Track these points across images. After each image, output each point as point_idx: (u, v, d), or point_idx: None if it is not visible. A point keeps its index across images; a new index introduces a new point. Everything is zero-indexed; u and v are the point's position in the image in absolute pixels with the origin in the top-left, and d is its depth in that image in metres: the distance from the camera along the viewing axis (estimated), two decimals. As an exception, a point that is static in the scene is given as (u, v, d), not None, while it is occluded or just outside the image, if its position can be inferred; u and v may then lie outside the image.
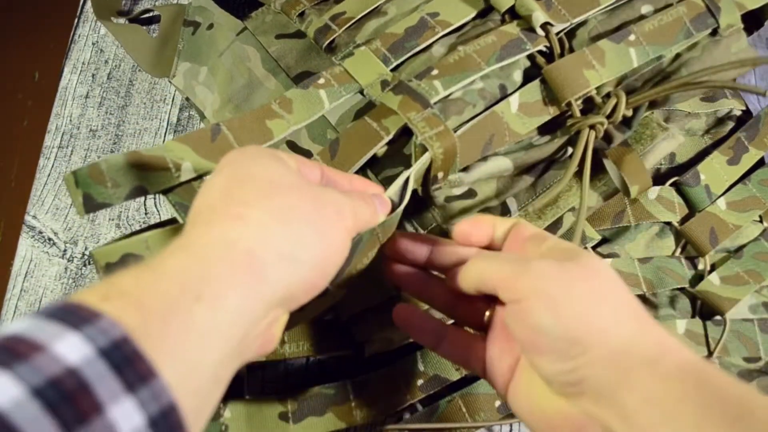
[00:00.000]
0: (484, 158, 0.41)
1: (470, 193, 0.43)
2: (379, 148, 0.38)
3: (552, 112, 0.41)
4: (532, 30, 0.42)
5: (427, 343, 0.34)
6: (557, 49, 0.41)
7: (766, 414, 0.23)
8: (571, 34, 0.43)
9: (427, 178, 0.39)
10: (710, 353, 0.42)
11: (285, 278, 0.25)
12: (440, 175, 0.39)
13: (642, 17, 0.42)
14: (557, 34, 0.42)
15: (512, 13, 0.43)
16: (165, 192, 0.34)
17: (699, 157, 0.48)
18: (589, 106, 0.42)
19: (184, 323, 0.22)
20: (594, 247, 0.45)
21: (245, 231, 0.25)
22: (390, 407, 0.41)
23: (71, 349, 0.19)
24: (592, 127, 0.40)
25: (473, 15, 0.44)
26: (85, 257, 0.49)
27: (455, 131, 0.38)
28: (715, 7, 0.42)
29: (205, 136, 0.37)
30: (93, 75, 0.56)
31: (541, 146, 0.43)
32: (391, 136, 0.38)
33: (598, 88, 0.41)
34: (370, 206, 0.31)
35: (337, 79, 0.41)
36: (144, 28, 0.57)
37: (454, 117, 0.38)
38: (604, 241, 0.45)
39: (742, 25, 0.43)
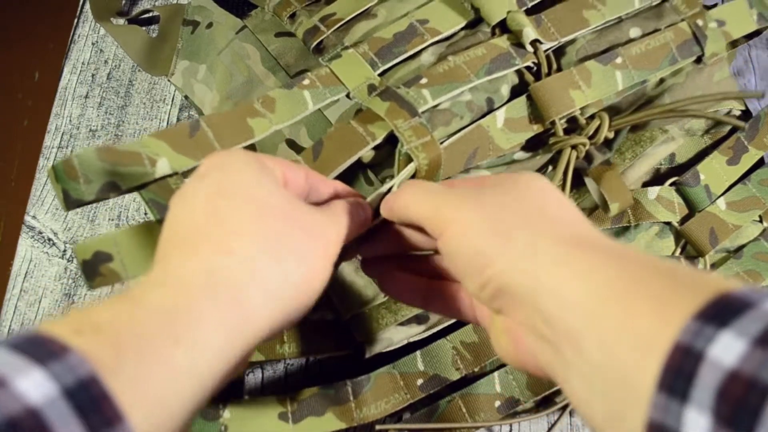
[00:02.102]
0: (466, 170, 0.41)
1: None
2: (364, 153, 0.38)
3: (536, 129, 0.41)
4: (521, 46, 0.41)
5: (418, 304, 0.34)
6: (545, 67, 0.41)
7: (695, 283, 0.21)
8: (559, 51, 0.43)
9: None
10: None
11: (270, 317, 0.25)
12: None
13: (630, 40, 0.42)
14: (545, 51, 0.42)
15: (502, 27, 0.43)
16: (138, 188, 0.34)
17: (699, 157, 0.48)
18: (573, 125, 0.42)
19: (161, 364, 0.21)
20: None
21: (232, 266, 0.24)
22: (390, 407, 0.41)
23: (34, 386, 0.18)
24: (574, 147, 0.41)
25: (463, 25, 0.43)
26: (85, 257, 0.49)
27: (441, 143, 0.38)
28: (701, 35, 0.42)
29: (183, 131, 0.35)
30: (93, 75, 0.56)
31: (522, 162, 0.43)
32: (377, 142, 0.37)
33: (582, 109, 0.41)
34: (355, 221, 0.31)
35: (322, 80, 0.41)
36: (143, 28, 0.57)
37: (441, 128, 0.38)
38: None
39: (726, 54, 0.43)
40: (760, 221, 0.47)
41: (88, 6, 0.59)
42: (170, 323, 0.22)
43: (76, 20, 0.59)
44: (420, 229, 0.30)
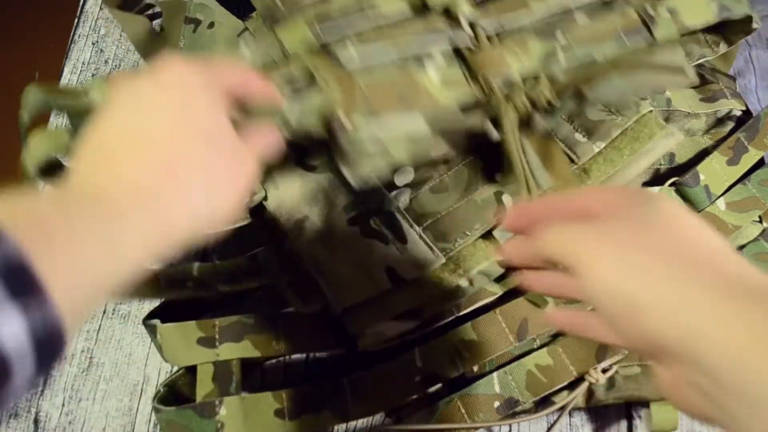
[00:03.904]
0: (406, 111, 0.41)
1: (382, 149, 0.41)
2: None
3: (475, 90, 0.42)
4: (460, 27, 0.43)
5: (590, 334, 0.30)
6: (484, 44, 0.43)
7: None
8: (505, 35, 0.44)
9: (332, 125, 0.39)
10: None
11: (189, 229, 0.27)
12: (343, 117, 0.39)
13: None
14: (487, 35, 0.43)
15: (447, 14, 0.44)
16: (72, 113, 0.38)
17: (698, 157, 0.48)
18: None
19: (89, 239, 0.23)
20: None
21: (156, 181, 0.26)
22: (387, 404, 0.41)
23: None
24: (513, 104, 0.41)
25: (410, 12, 0.45)
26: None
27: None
28: (650, 20, 0.43)
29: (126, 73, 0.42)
30: (93, 75, 0.56)
31: (460, 114, 0.43)
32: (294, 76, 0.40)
33: (525, 82, 0.42)
34: (266, 145, 0.34)
35: (260, 39, 0.44)
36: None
37: (364, 76, 0.40)
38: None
39: (678, 38, 0.44)
40: (760, 221, 0.47)
41: (88, 6, 0.59)
42: (98, 211, 0.24)
43: (76, 20, 0.59)
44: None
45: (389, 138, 0.39)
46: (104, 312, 0.48)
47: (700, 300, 0.23)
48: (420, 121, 0.40)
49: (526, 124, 0.42)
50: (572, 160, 0.43)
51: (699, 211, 0.46)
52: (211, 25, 0.51)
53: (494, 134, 0.42)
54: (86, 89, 0.38)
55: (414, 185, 0.44)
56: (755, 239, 0.46)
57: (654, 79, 0.42)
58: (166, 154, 0.27)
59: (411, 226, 0.42)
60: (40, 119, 0.41)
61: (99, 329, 0.47)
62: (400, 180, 0.44)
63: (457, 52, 0.43)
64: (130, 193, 0.25)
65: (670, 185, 0.46)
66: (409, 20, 0.44)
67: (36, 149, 0.37)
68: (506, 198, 0.43)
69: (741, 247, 0.46)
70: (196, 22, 0.52)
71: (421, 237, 0.42)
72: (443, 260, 0.42)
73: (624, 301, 0.24)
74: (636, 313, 0.24)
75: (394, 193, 0.44)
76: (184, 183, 0.27)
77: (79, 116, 0.38)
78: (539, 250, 0.29)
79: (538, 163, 0.43)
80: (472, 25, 0.43)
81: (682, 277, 0.24)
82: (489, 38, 0.43)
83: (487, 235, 0.43)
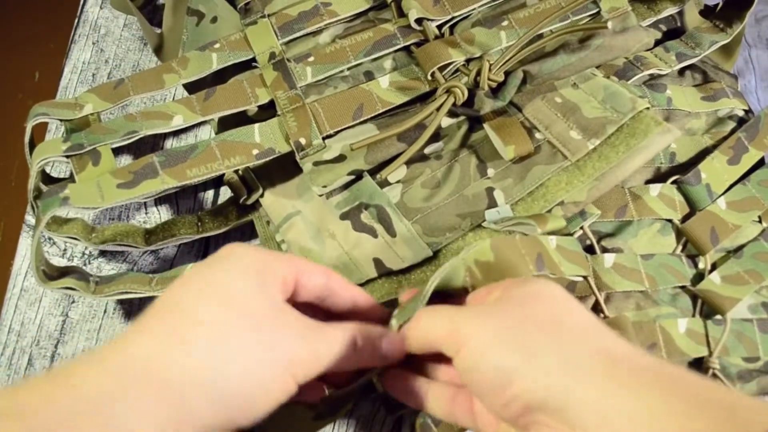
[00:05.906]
0: (362, 123, 0.45)
1: (340, 158, 0.44)
2: (246, 108, 0.46)
3: (425, 87, 0.46)
4: (410, 26, 0.47)
5: (413, 403, 0.32)
6: (431, 38, 0.46)
7: (751, 416, 0.21)
8: (454, 26, 0.48)
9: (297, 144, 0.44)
10: (710, 353, 0.42)
11: (212, 417, 0.25)
12: (303, 140, 0.44)
13: (523, 7, 0.47)
14: (440, 26, 0.47)
15: (399, 8, 0.47)
16: (68, 123, 0.44)
17: (699, 156, 0.48)
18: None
19: None
20: (599, 240, 0.44)
21: (178, 358, 0.25)
22: None
23: None
24: (448, 91, 0.44)
25: (364, 9, 0.49)
26: (85, 256, 0.49)
27: (315, 101, 0.45)
28: None
29: (110, 84, 0.46)
30: (93, 75, 0.56)
31: (407, 110, 0.46)
32: (258, 103, 0.46)
33: (469, 62, 0.45)
34: (348, 349, 0.29)
35: (230, 45, 0.48)
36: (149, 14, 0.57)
37: (313, 96, 0.45)
38: (608, 235, 0.45)
39: (629, 8, 0.47)
40: (760, 221, 0.47)
41: (88, 6, 0.59)
42: (100, 410, 0.22)
43: (76, 20, 0.59)
44: (438, 356, 0.30)
45: (345, 145, 0.44)
46: (105, 311, 0.48)
47: (577, 366, 0.24)
48: (368, 126, 0.45)
49: (470, 105, 0.45)
50: (565, 157, 0.43)
51: (700, 210, 0.46)
52: (214, 19, 0.51)
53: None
54: (81, 105, 0.44)
55: (406, 181, 0.44)
56: (755, 239, 0.46)
57: (607, 48, 0.46)
58: (174, 319, 0.26)
59: (400, 220, 0.42)
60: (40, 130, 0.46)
61: (100, 328, 0.48)
62: (392, 177, 0.44)
63: (410, 53, 0.47)
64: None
65: (672, 183, 0.46)
66: (365, 22, 0.48)
67: (37, 156, 0.43)
68: (497, 194, 0.43)
69: (741, 247, 0.46)
70: (199, 15, 0.51)
71: (409, 231, 0.42)
72: (430, 254, 0.42)
73: (498, 368, 0.26)
74: (510, 380, 0.25)
75: (386, 188, 0.44)
76: (193, 348, 0.25)
77: (77, 127, 0.44)
78: (422, 335, 0.30)
79: (494, 134, 0.44)
80: (419, 21, 0.46)
81: (558, 344, 0.25)
82: (439, 29, 0.47)
83: (476, 229, 0.43)
